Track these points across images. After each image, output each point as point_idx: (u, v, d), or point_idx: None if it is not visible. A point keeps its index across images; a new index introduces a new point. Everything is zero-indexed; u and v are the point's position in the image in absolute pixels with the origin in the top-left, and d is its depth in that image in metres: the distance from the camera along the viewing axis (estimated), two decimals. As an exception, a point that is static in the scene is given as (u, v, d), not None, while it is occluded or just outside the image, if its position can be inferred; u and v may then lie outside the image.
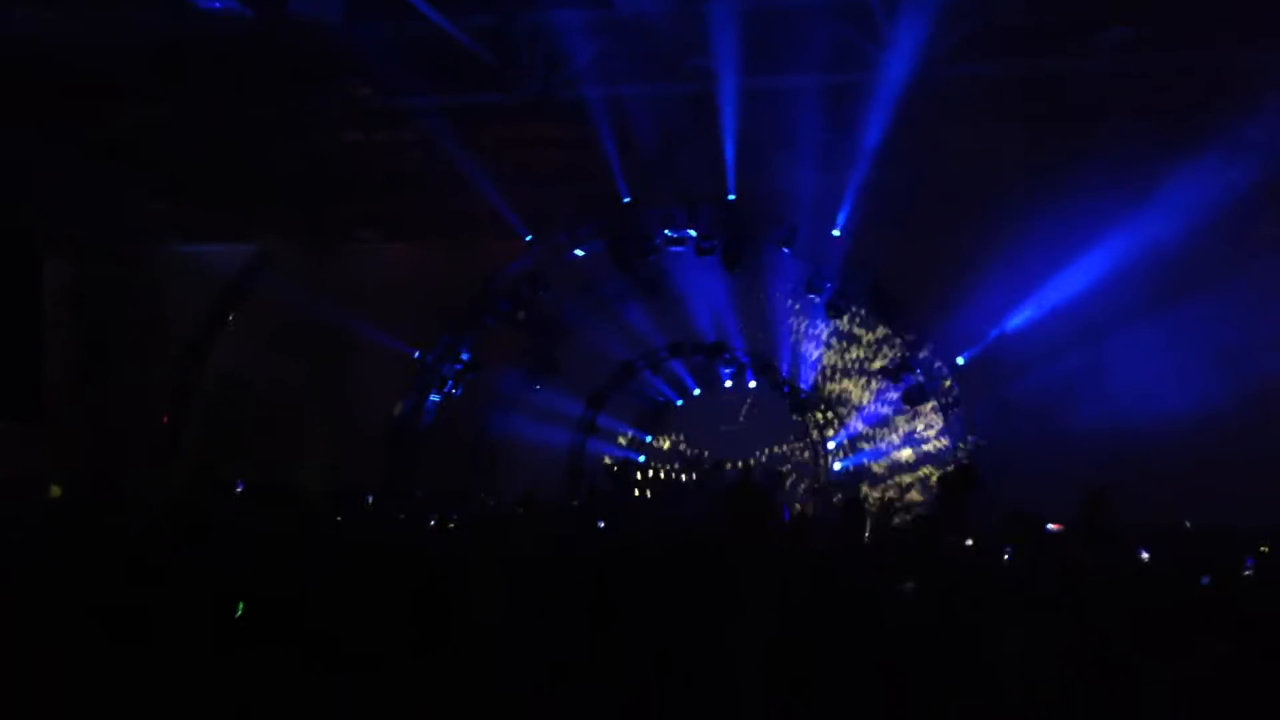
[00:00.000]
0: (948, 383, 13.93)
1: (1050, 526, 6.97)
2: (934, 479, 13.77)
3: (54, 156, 13.44)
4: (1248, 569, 6.12)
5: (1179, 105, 11.88)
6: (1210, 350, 12.76)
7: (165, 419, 15.61)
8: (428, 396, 15.87)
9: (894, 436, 15.76)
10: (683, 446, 19.23)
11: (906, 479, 15.59)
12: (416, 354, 15.70)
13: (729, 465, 17.10)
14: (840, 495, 15.17)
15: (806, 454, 17.59)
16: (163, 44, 11.79)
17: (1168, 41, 10.80)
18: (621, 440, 19.05)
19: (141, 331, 17.70)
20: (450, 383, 16.01)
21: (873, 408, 15.96)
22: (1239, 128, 10.84)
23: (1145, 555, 6.54)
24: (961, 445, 13.80)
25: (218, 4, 10.70)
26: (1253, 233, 13.00)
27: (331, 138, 14.71)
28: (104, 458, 16.20)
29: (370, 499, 12.20)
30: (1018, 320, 13.56)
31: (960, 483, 6.04)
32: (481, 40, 11.19)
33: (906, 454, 15.61)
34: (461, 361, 15.89)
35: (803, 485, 17.11)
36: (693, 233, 14.63)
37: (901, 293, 14.09)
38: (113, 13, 11.05)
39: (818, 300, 14.51)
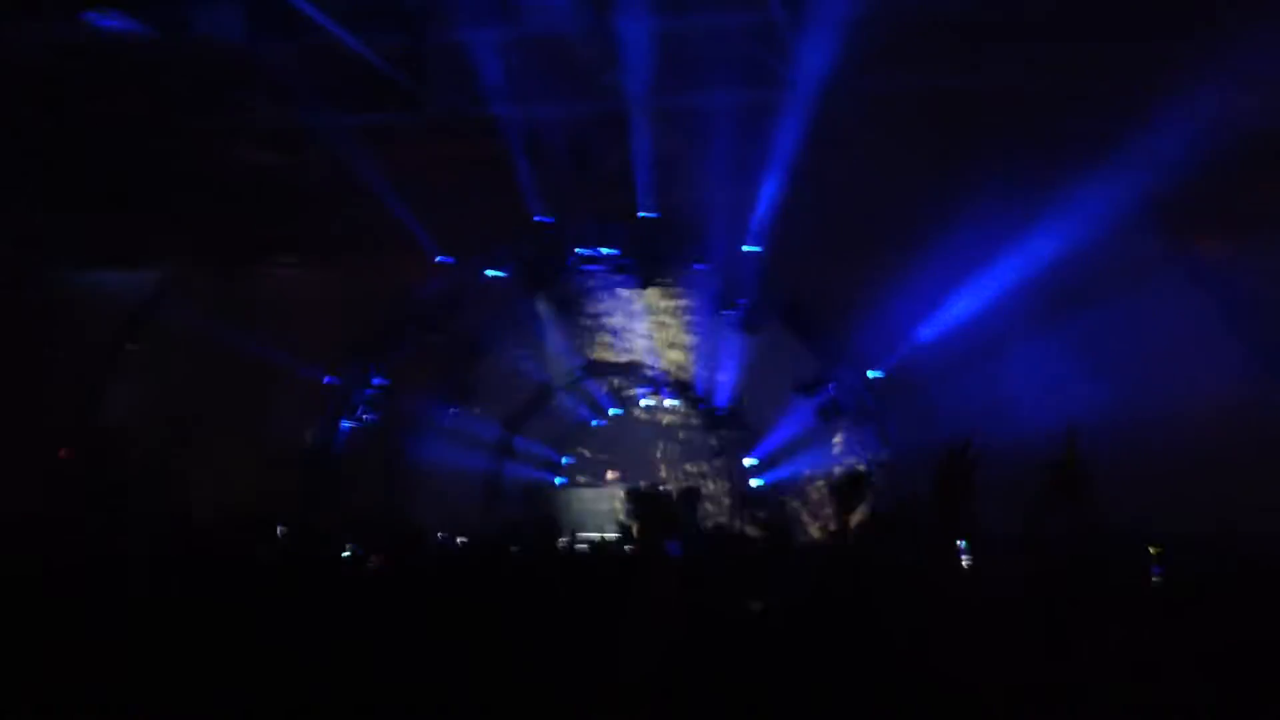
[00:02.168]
0: (862, 398, 14.08)
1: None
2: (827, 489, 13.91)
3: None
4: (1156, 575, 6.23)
5: (1075, 120, 12.17)
6: (1104, 359, 13.09)
7: (64, 454, 15.12)
8: (341, 422, 15.60)
9: (810, 452, 15.87)
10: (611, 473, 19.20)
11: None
12: (328, 379, 15.44)
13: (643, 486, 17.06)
14: (761, 513, 15.26)
15: (723, 472, 17.65)
16: (59, 62, 11.47)
17: (1062, 57, 11.07)
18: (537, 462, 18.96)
19: (40, 362, 17.14)
20: (364, 408, 15.75)
21: (789, 423, 16.07)
22: (1130, 142, 11.17)
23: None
24: (871, 459, 13.95)
25: (118, 24, 10.44)
26: (1143, 245, 13.37)
27: (238, 158, 14.42)
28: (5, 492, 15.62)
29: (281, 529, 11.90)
30: (929, 333, 13.77)
31: (849, 490, 6.05)
32: (391, 59, 11.08)
33: (822, 469, 15.73)
34: (375, 386, 15.66)
35: (720, 502, 17.15)
36: (607, 251, 14.62)
37: (816, 308, 14.22)
38: (8, 32, 10.73)
39: (733, 316, 14.57)
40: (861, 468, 13.25)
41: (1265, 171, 12.32)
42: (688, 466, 18.12)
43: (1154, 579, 6.32)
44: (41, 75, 11.84)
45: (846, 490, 6.49)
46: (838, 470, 14.74)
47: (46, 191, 14.56)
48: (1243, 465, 12.85)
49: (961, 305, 13.69)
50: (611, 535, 11.27)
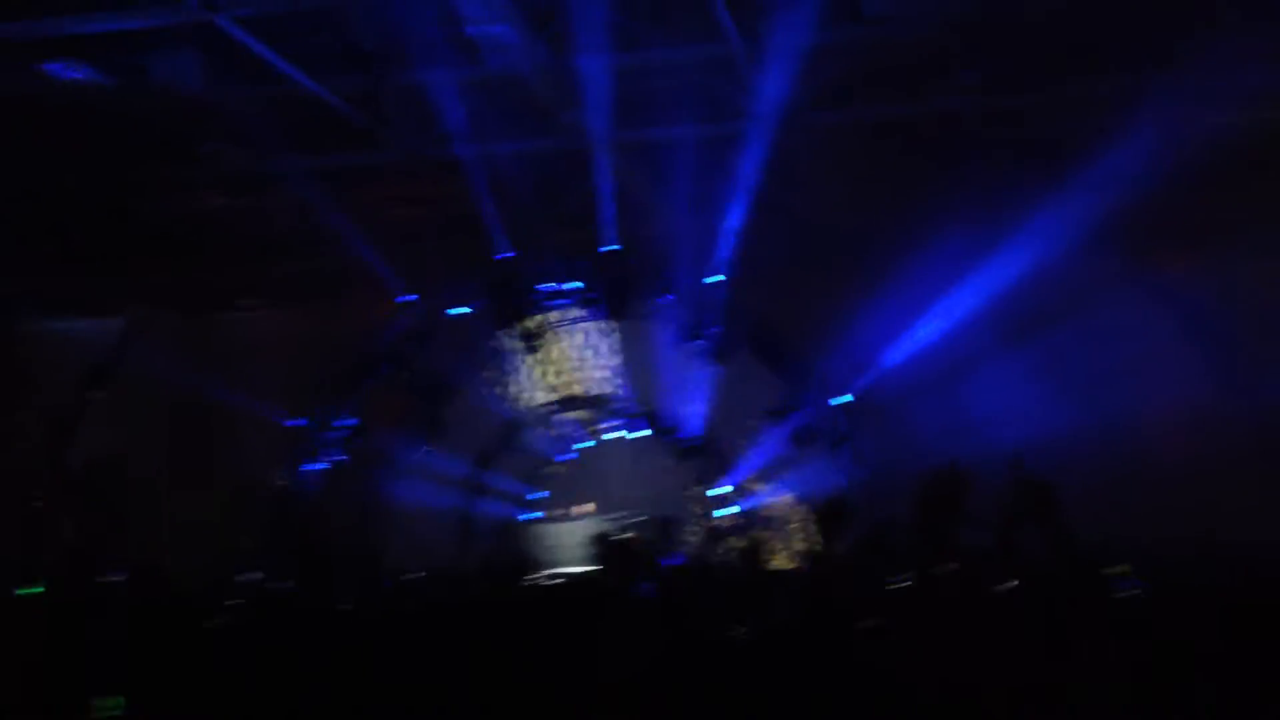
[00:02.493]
0: (834, 422, 14.12)
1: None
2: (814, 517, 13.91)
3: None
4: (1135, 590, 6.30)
5: (1029, 140, 12.34)
6: (1069, 377, 13.24)
7: (38, 503, 14.92)
8: (311, 465, 15.48)
9: (783, 479, 15.88)
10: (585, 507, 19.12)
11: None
12: (295, 421, 15.33)
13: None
14: (730, 541, 15.22)
15: (695, 501, 17.63)
16: (21, 114, 11.39)
17: (1015, 81, 11.22)
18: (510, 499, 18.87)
19: (3, 412, 16.93)
20: (331, 449, 15.64)
21: (761, 451, 16.08)
22: (1088, 161, 11.33)
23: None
24: (848, 484, 13.97)
25: (74, 73, 10.39)
26: (1104, 263, 13.54)
27: (199, 204, 14.36)
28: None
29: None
30: (897, 356, 13.87)
31: (833, 516, 6.10)
32: (351, 101, 11.07)
33: (794, 496, 15.73)
34: (342, 427, 15.56)
35: (693, 532, 17.11)
36: (572, 285, 14.64)
37: (783, 335, 14.29)
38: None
39: (702, 346, 14.59)
40: (843, 494, 13.27)
41: (1222, 187, 12.52)
42: (658, 498, 18.07)
43: (1132, 592, 6.39)
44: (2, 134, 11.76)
45: (830, 517, 6.53)
46: (816, 497, 14.76)
47: (5, 244, 14.44)
48: (1206, 476, 13.02)
49: (927, 328, 13.81)
50: (585, 569, 11.23)
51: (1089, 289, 13.53)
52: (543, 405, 18.11)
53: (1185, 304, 13.71)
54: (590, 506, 19.22)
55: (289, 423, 15.35)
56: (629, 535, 16.75)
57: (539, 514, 19.58)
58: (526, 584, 10.52)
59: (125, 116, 11.60)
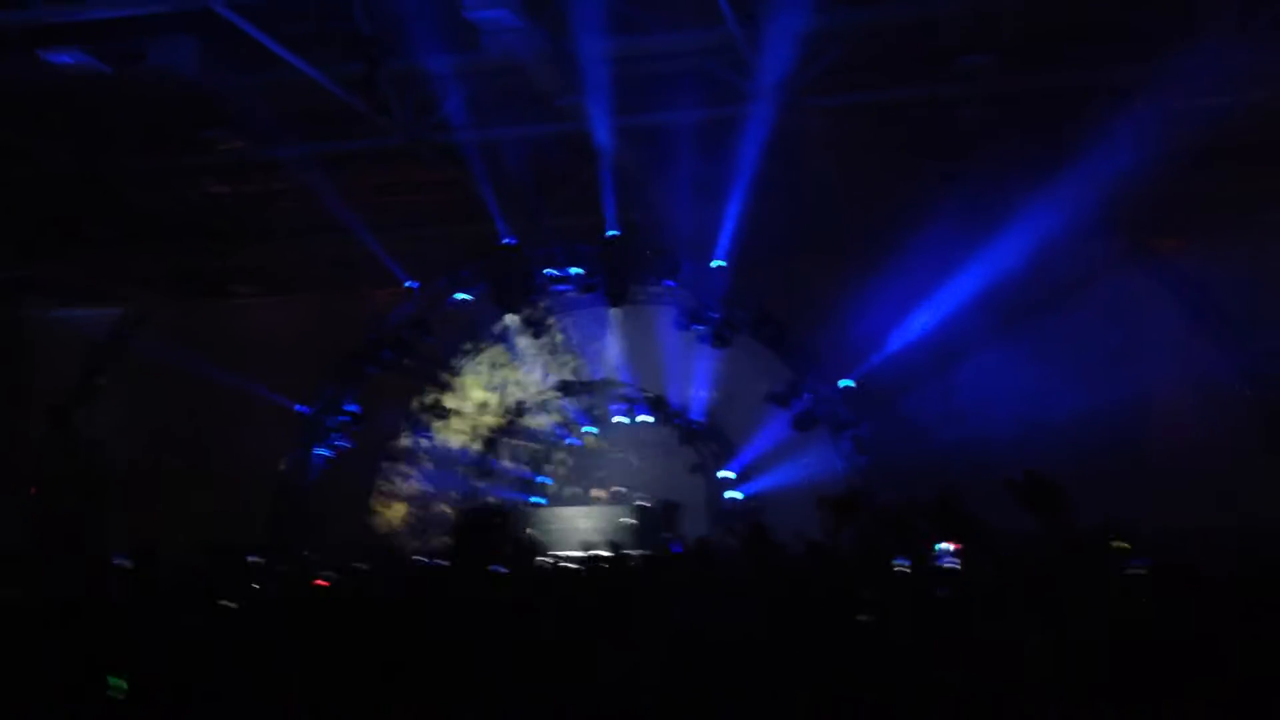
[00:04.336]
0: (836, 407, 14.10)
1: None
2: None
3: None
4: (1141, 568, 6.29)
5: (1030, 123, 12.28)
6: (1074, 362, 13.20)
7: (33, 490, 14.99)
8: (314, 451, 15.50)
9: (786, 463, 15.88)
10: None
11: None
12: (300, 407, 15.35)
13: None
14: (735, 526, 15.22)
15: (700, 485, 17.65)
16: (21, 100, 11.41)
17: (1020, 66, 11.17)
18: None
19: (6, 398, 17.01)
20: (336, 435, 15.66)
21: (765, 436, 16.07)
22: (1090, 146, 11.27)
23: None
24: (849, 468, 13.97)
25: (71, 59, 10.38)
26: (1102, 249, 13.48)
27: (200, 191, 14.37)
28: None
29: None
30: (899, 341, 13.84)
31: (844, 506, 6.08)
32: (351, 87, 11.06)
33: (800, 479, 15.73)
34: (347, 413, 15.57)
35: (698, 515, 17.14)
36: (575, 270, 14.61)
37: (786, 320, 14.25)
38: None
39: (704, 331, 14.57)
40: (855, 484, 13.25)
41: (1223, 172, 12.47)
42: (664, 481, 18.09)
43: (1139, 570, 6.39)
44: (2, 121, 11.78)
45: (840, 507, 6.52)
46: (824, 485, 14.74)
47: (11, 234, 14.49)
48: (1211, 459, 12.98)
49: (929, 313, 13.77)
50: (596, 551, 11.22)
51: (1091, 272, 13.48)
52: (546, 391, 18.16)
53: (1188, 286, 13.64)
54: (605, 491, 19.29)
55: (297, 407, 15.38)
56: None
57: (544, 499, 19.65)
58: (533, 567, 10.53)
59: (124, 103, 11.61)
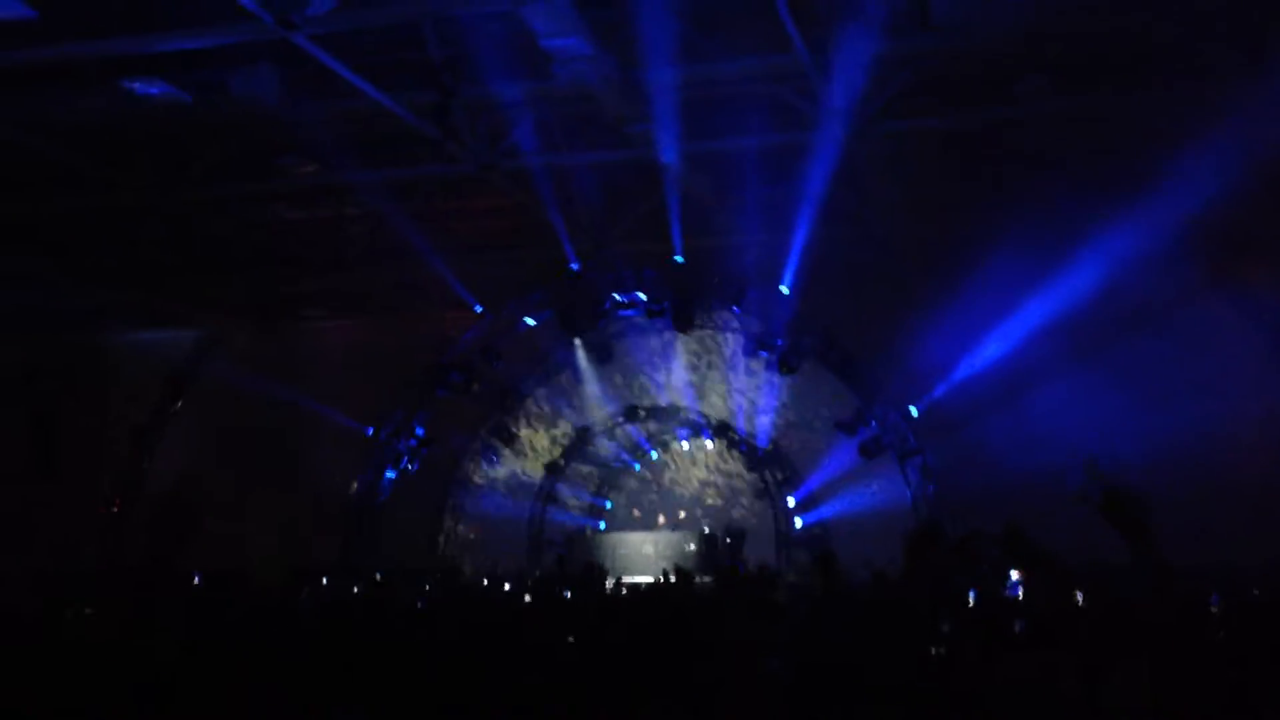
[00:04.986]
0: (904, 434, 13.97)
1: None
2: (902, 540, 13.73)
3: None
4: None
5: (1102, 148, 12.10)
6: (1150, 392, 12.93)
7: (116, 505, 15.32)
8: (384, 473, 15.70)
9: (852, 490, 15.77)
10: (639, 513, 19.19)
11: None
12: (370, 430, 15.55)
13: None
14: (804, 551, 15.13)
15: (766, 511, 17.58)
16: (103, 130, 11.73)
17: (1086, 88, 11.02)
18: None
19: (88, 419, 17.42)
20: (406, 458, 15.83)
21: (831, 462, 15.97)
22: (1170, 171, 11.07)
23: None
24: (917, 496, 13.82)
25: (155, 90, 10.68)
26: (1183, 275, 13.22)
27: (275, 217, 14.66)
28: (53, 546, 15.85)
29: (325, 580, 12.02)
30: (967, 368, 13.67)
31: (924, 541, 6.00)
32: (423, 115, 11.22)
33: (866, 506, 15.61)
34: (416, 436, 15.75)
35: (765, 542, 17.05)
36: (642, 296, 14.67)
37: (852, 346, 14.16)
38: (52, 101, 10.99)
39: (770, 357, 14.53)
40: (933, 520, 13.08)
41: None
42: (730, 508, 18.05)
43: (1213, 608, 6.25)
44: (88, 148, 12.11)
45: (921, 542, 6.46)
46: (890, 513, 14.59)
47: (92, 261, 14.87)
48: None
49: (998, 340, 13.60)
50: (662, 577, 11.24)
51: (1168, 301, 13.21)
52: (613, 415, 18.22)
53: (1267, 315, 13.32)
54: (667, 518, 19.30)
55: (368, 430, 15.58)
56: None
57: (606, 524, 19.68)
58: (599, 591, 10.56)
59: (202, 131, 11.89)
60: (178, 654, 5.44)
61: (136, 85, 10.59)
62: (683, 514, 18.96)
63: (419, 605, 9.41)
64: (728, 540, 16.17)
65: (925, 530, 6.05)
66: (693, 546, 16.58)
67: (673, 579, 9.95)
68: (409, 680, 5.48)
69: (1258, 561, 10.39)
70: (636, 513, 19.58)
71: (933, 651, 5.36)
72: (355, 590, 11.54)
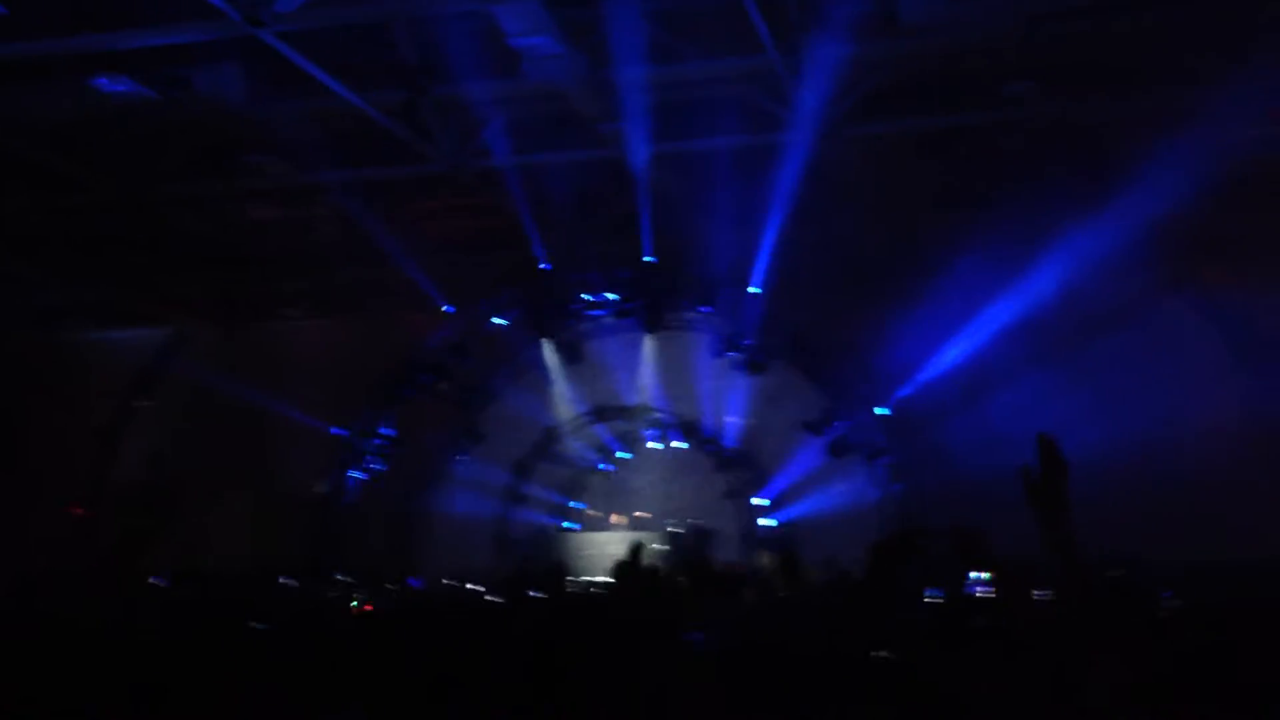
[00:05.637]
0: (871, 434, 14.06)
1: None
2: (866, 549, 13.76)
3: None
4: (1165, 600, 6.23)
5: (1068, 151, 12.22)
6: (1112, 392, 13.07)
7: (78, 510, 15.15)
8: (350, 473, 15.62)
9: (820, 490, 15.82)
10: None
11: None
12: (336, 430, 15.47)
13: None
14: (767, 554, 15.15)
15: (733, 512, 17.60)
16: (65, 128, 11.61)
17: (1060, 94, 11.14)
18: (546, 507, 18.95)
19: (52, 419, 17.22)
20: (372, 458, 15.76)
21: (798, 463, 16.03)
22: (1132, 176, 11.20)
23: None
24: (884, 496, 13.92)
25: (120, 87, 10.57)
26: (1145, 277, 13.37)
27: (243, 216, 14.55)
28: (14, 548, 15.66)
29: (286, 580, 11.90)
30: (934, 369, 13.78)
31: (896, 552, 5.98)
32: (392, 114, 11.19)
33: (833, 506, 15.66)
34: (383, 437, 15.68)
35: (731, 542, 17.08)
36: (611, 296, 14.67)
37: (820, 347, 14.23)
38: (13, 98, 10.87)
39: (739, 357, 14.58)
40: (912, 528, 13.13)
41: (1267, 204, 12.34)
42: (697, 508, 18.06)
43: (1171, 605, 6.31)
44: (50, 146, 11.99)
45: (892, 551, 6.47)
46: (857, 512, 14.65)
47: (58, 258, 14.71)
48: (1247, 495, 12.80)
49: (964, 341, 13.71)
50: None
51: (1130, 302, 13.37)
52: (580, 415, 18.18)
53: (1229, 318, 13.50)
54: (624, 517, 19.27)
55: (333, 430, 15.50)
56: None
57: (576, 524, 19.64)
58: (565, 591, 10.55)
59: (169, 129, 11.80)
60: (154, 654, 5.38)
61: (103, 82, 10.50)
62: (649, 514, 18.94)
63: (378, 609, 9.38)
64: (694, 540, 16.20)
65: (896, 542, 6.04)
66: (661, 546, 16.57)
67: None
68: (373, 684, 5.45)
69: (1219, 560, 10.51)
70: (603, 513, 19.55)
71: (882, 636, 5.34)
72: (320, 593, 11.48)
